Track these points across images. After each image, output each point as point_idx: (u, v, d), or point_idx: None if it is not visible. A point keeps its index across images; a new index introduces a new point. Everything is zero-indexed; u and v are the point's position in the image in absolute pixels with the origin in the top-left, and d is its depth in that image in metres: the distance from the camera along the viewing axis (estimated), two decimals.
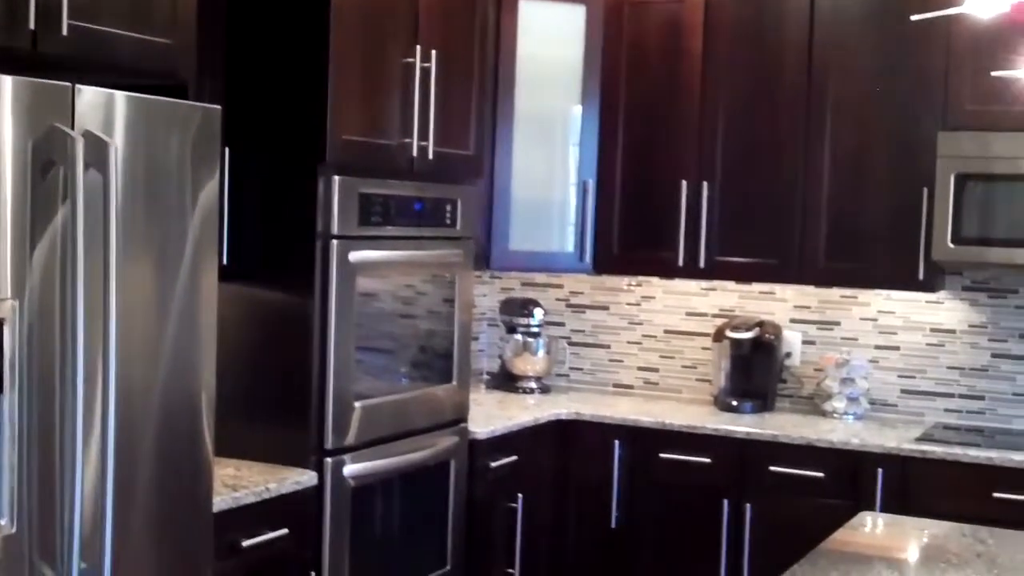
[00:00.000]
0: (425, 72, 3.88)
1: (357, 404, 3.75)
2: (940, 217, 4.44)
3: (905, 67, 4.54)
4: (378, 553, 3.90)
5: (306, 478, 3.54)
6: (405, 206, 3.90)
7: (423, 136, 3.89)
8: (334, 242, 3.61)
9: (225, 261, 3.47)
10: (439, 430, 4.13)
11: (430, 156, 3.93)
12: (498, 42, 4.68)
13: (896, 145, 4.57)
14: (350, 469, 3.72)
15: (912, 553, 3.06)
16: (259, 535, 3.34)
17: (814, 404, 4.95)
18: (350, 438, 3.72)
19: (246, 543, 3.29)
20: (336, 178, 3.60)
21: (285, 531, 3.44)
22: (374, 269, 3.78)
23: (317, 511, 3.61)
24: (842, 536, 3.10)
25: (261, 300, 3.67)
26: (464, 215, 4.17)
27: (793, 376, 5.05)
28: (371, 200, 3.74)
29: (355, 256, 3.67)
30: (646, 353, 5.31)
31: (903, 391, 4.90)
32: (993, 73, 3.16)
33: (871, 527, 3.28)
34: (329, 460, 3.65)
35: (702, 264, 4.85)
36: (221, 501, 3.19)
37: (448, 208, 4.09)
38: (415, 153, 3.88)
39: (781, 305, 5.07)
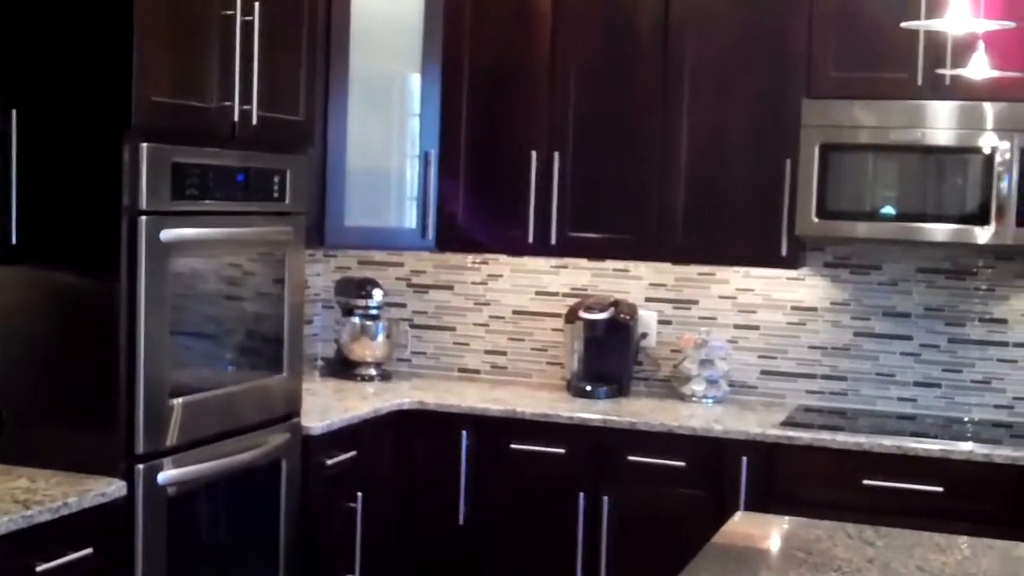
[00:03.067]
0: (247, 26, 3.44)
1: (175, 401, 3.33)
2: (804, 190, 4.23)
3: (767, 30, 4.31)
4: (201, 567, 3.49)
5: (113, 488, 3.10)
6: (226, 177, 3.47)
7: (246, 99, 3.46)
8: (142, 219, 3.16)
9: (13, 240, 3.02)
10: (269, 426, 3.73)
11: (254, 121, 3.50)
12: None
13: (758, 114, 4.33)
14: (166, 475, 3.29)
15: (799, 560, 2.77)
16: (58, 558, 2.90)
17: (671, 387, 4.71)
18: (167, 440, 3.30)
19: (41, 567, 2.85)
20: (144, 145, 3.16)
21: (90, 551, 3.00)
22: (191, 249, 3.35)
23: (128, 525, 3.18)
24: (720, 541, 2.80)
25: (58, 285, 3.20)
26: (294, 188, 3.76)
27: (649, 358, 4.79)
28: (186, 171, 3.30)
29: (168, 235, 3.23)
30: (493, 335, 4.98)
31: (763, 372, 4.69)
32: (903, 25, 2.90)
33: (749, 529, 3.00)
34: (140, 467, 3.21)
35: (553, 240, 4.55)
36: (10, 521, 2.74)
37: (276, 180, 3.68)
38: (236, 118, 3.45)
39: (636, 283, 4.80)
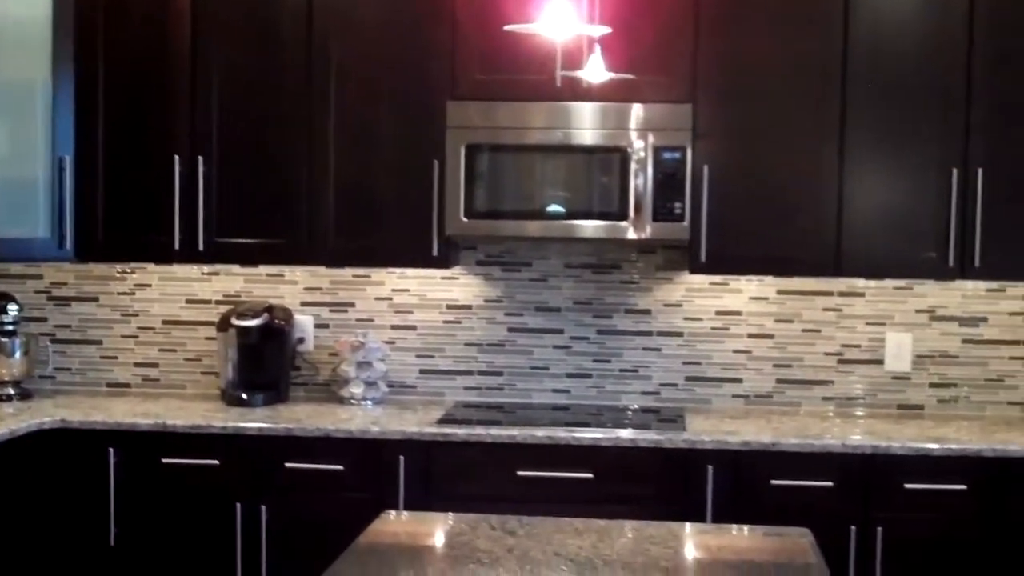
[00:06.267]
0: None
1: None
2: (452, 190, 4.28)
3: (411, 33, 4.33)
4: None
5: None
6: None
7: None
8: None
9: None
10: None
11: None
12: None
13: (406, 115, 4.35)
14: None
15: (439, 555, 2.79)
16: None
17: (331, 391, 4.67)
18: None
19: None
20: None
21: None
22: None
23: None
24: (364, 542, 2.78)
25: None
26: None
27: (307, 363, 4.73)
28: None
29: None
30: (143, 347, 4.80)
31: (422, 371, 4.72)
32: (506, 28, 2.96)
33: (395, 528, 3.00)
34: None
35: (201, 247, 4.42)
36: None
37: None
38: None
39: (291, 288, 4.74)
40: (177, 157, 4.39)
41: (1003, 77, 4.18)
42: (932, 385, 4.57)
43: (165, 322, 4.80)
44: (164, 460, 4.19)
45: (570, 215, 4.29)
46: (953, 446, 4.03)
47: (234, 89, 4.40)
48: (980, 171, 4.17)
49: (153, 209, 4.42)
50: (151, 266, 4.75)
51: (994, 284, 4.50)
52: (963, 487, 3.99)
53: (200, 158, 4.39)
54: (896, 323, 4.57)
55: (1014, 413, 4.54)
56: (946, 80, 4.18)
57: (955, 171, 4.18)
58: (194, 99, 4.40)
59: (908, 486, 4.00)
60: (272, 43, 4.39)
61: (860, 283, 4.56)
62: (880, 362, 4.58)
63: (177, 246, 4.42)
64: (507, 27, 2.93)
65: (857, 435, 4.15)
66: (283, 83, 4.38)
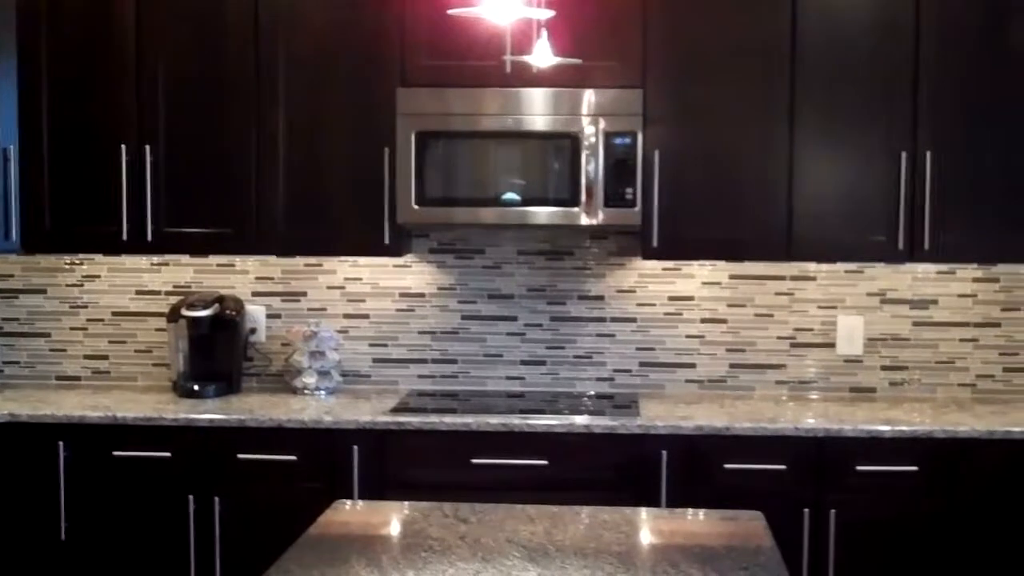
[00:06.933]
0: None
1: None
2: (403, 178, 4.26)
3: (359, 20, 4.30)
4: None
5: None
6: None
7: None
8: None
9: None
10: None
11: None
12: None
13: (355, 103, 4.32)
14: None
15: (391, 543, 2.78)
16: None
17: (284, 381, 4.64)
18: None
19: None
20: None
21: None
22: None
23: None
24: (316, 532, 2.77)
25: None
26: None
27: (259, 353, 4.70)
28: None
29: None
30: (93, 339, 4.75)
31: (375, 360, 4.70)
32: (450, 11, 2.94)
33: (347, 517, 2.98)
34: None
35: (150, 237, 4.37)
36: None
37: None
38: None
39: (242, 278, 4.70)
40: (124, 146, 4.34)
41: (951, 60, 4.20)
42: (884, 368, 4.60)
43: (115, 314, 4.74)
44: (115, 453, 4.15)
45: (522, 202, 4.27)
46: (904, 428, 4.06)
47: (181, 77, 4.35)
48: (928, 155, 4.19)
49: (100, 199, 4.37)
50: (99, 257, 4.70)
51: (944, 267, 4.54)
52: (914, 468, 4.02)
53: (147, 147, 4.34)
54: (847, 306, 4.60)
55: (964, 395, 4.58)
56: (894, 64, 4.20)
57: (904, 155, 4.20)
58: (140, 87, 4.34)
59: (860, 468, 4.02)
60: (219, 30, 4.34)
61: (811, 267, 4.58)
62: (832, 345, 4.60)
63: (125, 236, 4.36)
64: (451, 11, 2.91)
65: (810, 418, 4.17)
66: (230, 71, 4.34)
